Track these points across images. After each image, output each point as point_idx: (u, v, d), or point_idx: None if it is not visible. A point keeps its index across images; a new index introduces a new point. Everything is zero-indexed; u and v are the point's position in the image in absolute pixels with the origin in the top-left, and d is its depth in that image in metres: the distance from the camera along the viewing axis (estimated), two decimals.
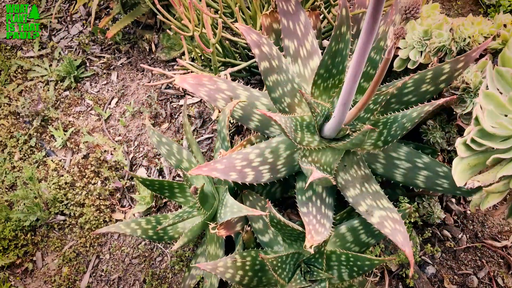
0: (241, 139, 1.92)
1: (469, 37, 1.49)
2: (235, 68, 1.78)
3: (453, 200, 1.82)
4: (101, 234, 1.98)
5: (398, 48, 1.69)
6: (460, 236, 1.76)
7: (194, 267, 1.81)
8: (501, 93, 1.27)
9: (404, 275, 1.68)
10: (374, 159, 1.70)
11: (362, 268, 1.39)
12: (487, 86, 1.29)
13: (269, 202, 1.32)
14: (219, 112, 1.63)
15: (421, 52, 1.63)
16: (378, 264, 1.35)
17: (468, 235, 1.77)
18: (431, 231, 1.76)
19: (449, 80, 1.50)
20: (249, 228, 1.62)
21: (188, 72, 1.81)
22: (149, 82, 2.24)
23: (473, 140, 1.25)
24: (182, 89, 2.17)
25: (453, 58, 1.48)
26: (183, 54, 2.25)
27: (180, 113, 2.13)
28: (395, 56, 1.73)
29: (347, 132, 1.50)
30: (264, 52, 1.48)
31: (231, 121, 1.96)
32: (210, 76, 1.61)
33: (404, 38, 1.69)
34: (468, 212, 1.81)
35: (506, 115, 1.25)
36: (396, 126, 1.45)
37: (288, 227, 1.38)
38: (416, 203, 1.72)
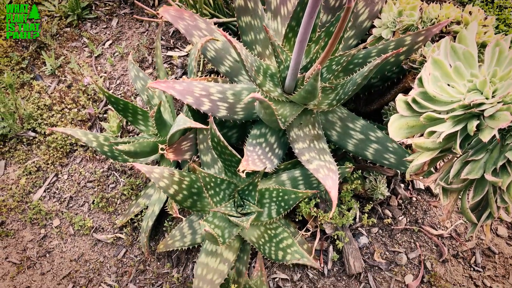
0: None
1: (436, 19, 1.58)
2: (220, 20, 1.88)
3: (402, 185, 1.87)
4: (64, 155, 2.06)
5: (374, 26, 1.78)
6: (400, 217, 1.80)
7: (142, 196, 1.87)
8: (450, 66, 1.34)
9: (336, 237, 1.72)
10: (331, 126, 1.77)
11: (288, 202, 1.44)
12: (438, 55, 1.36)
13: (212, 117, 1.40)
14: (192, 46, 1.72)
15: (393, 32, 1.71)
16: (302, 197, 1.40)
17: (408, 219, 1.81)
18: (372, 206, 1.80)
19: (409, 52, 1.58)
20: (197, 159, 1.69)
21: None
22: (141, 23, 2.35)
23: (414, 100, 1.30)
24: (172, 41, 2.28)
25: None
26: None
27: (166, 62, 2.23)
28: (369, 34, 1.82)
29: (304, 82, 1.57)
30: None
31: (206, 67, 2.04)
32: (192, 13, 1.72)
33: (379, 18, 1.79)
34: (414, 199, 1.86)
35: (449, 84, 1.31)
36: (350, 83, 1.52)
37: (227, 150, 1.44)
38: (363, 176, 1.78)
